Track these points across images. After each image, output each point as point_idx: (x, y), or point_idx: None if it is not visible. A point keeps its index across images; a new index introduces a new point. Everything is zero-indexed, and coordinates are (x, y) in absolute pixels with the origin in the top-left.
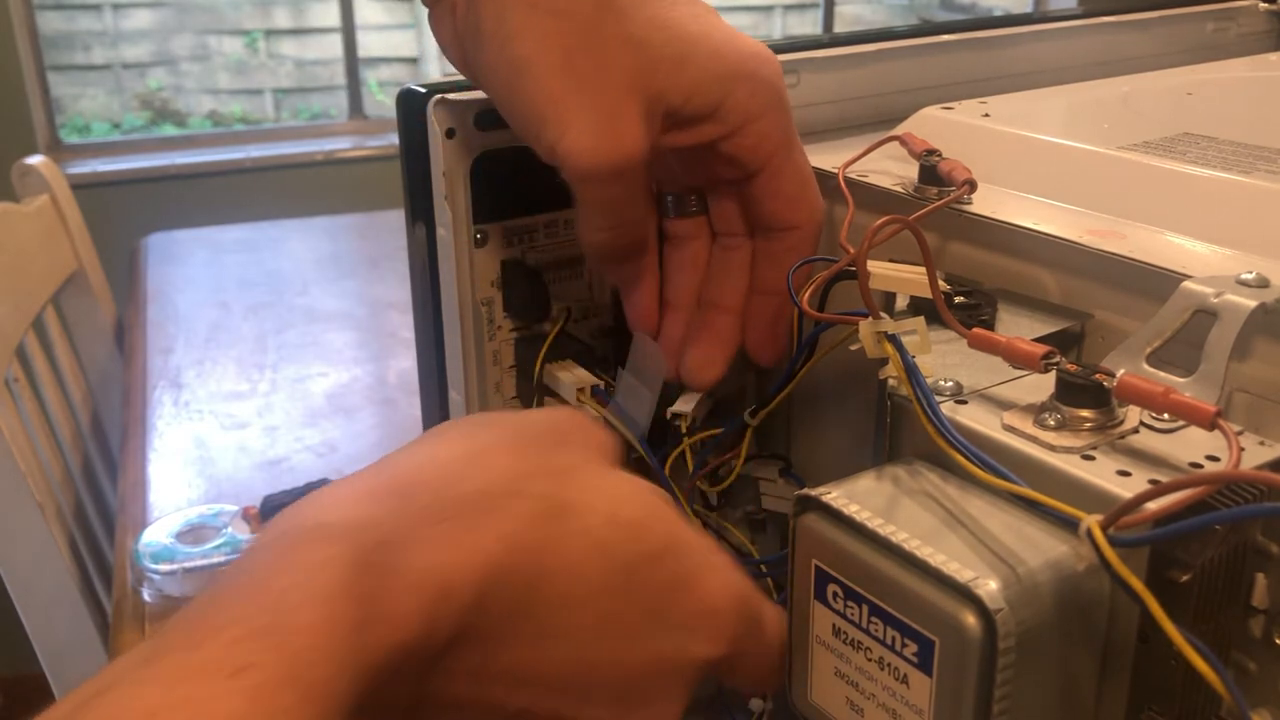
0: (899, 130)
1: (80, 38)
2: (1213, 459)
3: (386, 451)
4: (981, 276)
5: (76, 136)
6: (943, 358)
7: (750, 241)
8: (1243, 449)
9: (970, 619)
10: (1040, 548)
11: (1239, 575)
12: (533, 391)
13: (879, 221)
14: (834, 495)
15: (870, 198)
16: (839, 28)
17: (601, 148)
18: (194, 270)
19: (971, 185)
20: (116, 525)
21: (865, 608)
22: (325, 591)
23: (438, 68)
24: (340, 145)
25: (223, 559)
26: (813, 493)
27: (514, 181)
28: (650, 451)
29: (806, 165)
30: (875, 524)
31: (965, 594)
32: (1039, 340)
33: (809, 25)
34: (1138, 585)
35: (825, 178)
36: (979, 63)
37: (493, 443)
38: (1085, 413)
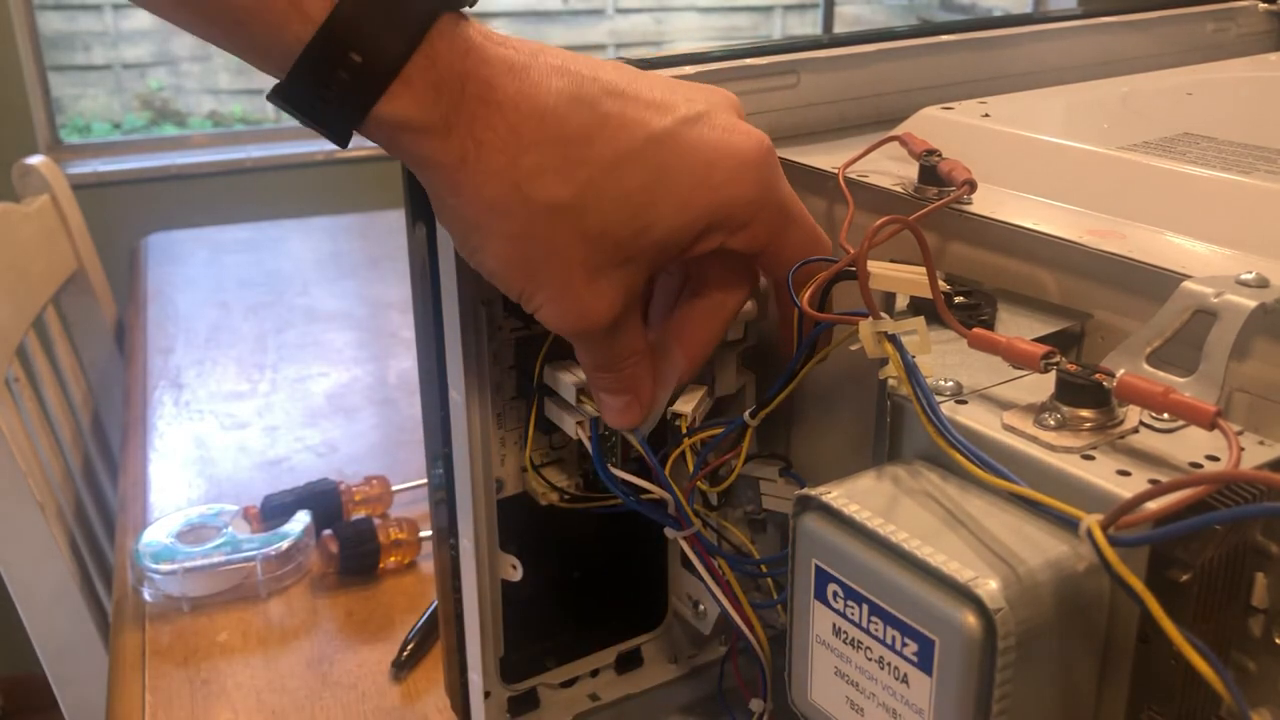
0: (899, 130)
1: (81, 38)
2: (1213, 459)
3: (387, 451)
4: (981, 276)
5: (77, 136)
6: (943, 358)
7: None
8: (1242, 449)
9: (970, 619)
10: (1040, 547)
11: (1239, 575)
12: (533, 391)
13: (879, 221)
14: (834, 495)
15: (870, 198)
16: (839, 28)
17: (568, 317)
18: (194, 270)
19: (971, 185)
20: (116, 525)
21: (865, 607)
22: None
23: None
24: None
25: (223, 559)
26: (813, 493)
27: None
28: (650, 451)
29: (810, 228)
30: (875, 524)
31: (965, 594)
32: (1039, 340)
33: (809, 25)
34: (1138, 585)
35: (825, 178)
36: (979, 63)
37: None
38: (1085, 413)
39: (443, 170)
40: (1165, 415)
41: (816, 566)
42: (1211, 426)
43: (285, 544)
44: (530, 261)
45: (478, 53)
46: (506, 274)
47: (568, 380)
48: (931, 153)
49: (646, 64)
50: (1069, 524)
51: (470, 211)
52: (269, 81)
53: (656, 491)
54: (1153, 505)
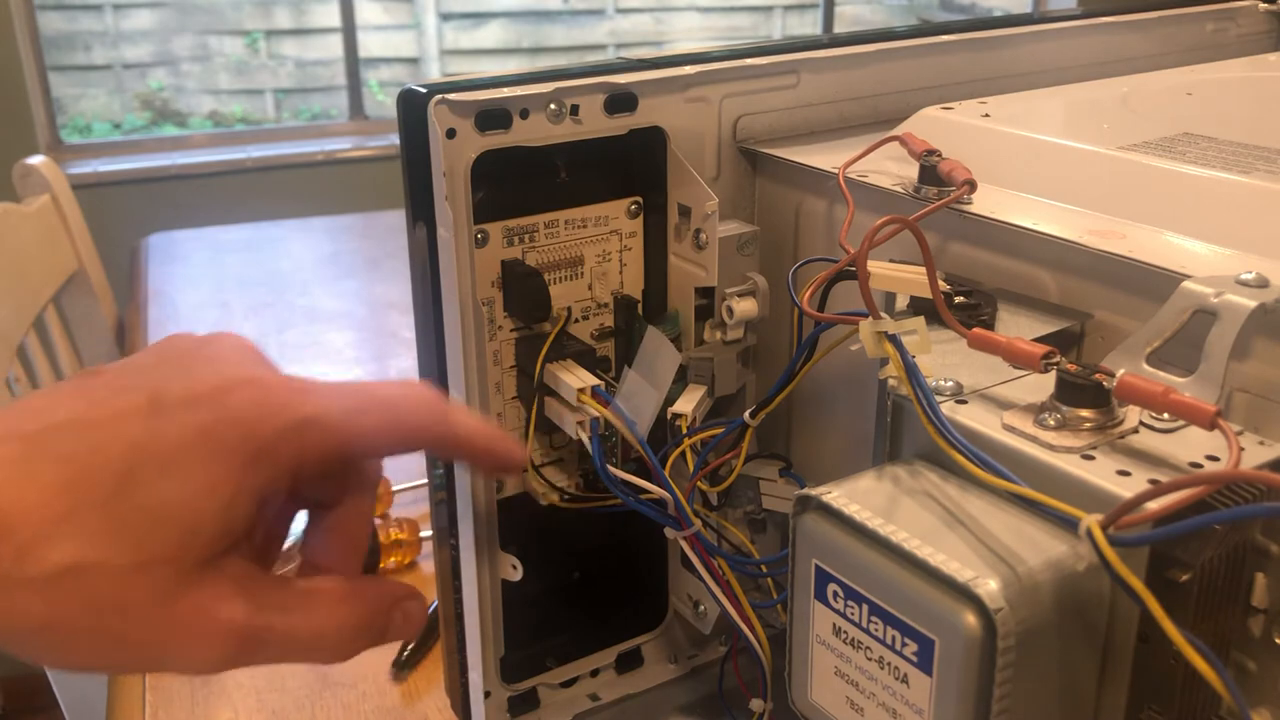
0: (899, 130)
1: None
2: (1212, 459)
3: None
4: (981, 276)
5: (77, 136)
6: (943, 358)
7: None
8: (1242, 449)
9: (970, 618)
10: (1040, 547)
11: (1239, 575)
12: (533, 391)
13: (879, 221)
14: (834, 495)
15: (870, 198)
16: (839, 28)
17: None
18: (194, 270)
19: (971, 185)
20: None
21: (865, 607)
22: None
23: (438, 68)
24: (340, 145)
25: None
26: (813, 492)
27: (514, 181)
28: (650, 451)
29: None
30: (875, 524)
31: (965, 593)
32: (1039, 340)
33: (809, 25)
34: (1137, 585)
35: (825, 178)
36: (979, 63)
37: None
38: (1085, 412)
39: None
40: (1165, 415)
41: (816, 566)
42: (1211, 426)
43: (285, 544)
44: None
45: None
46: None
47: (568, 380)
48: (931, 153)
49: (647, 64)
50: (1069, 524)
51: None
52: (269, 82)
53: (656, 491)
54: (1153, 505)
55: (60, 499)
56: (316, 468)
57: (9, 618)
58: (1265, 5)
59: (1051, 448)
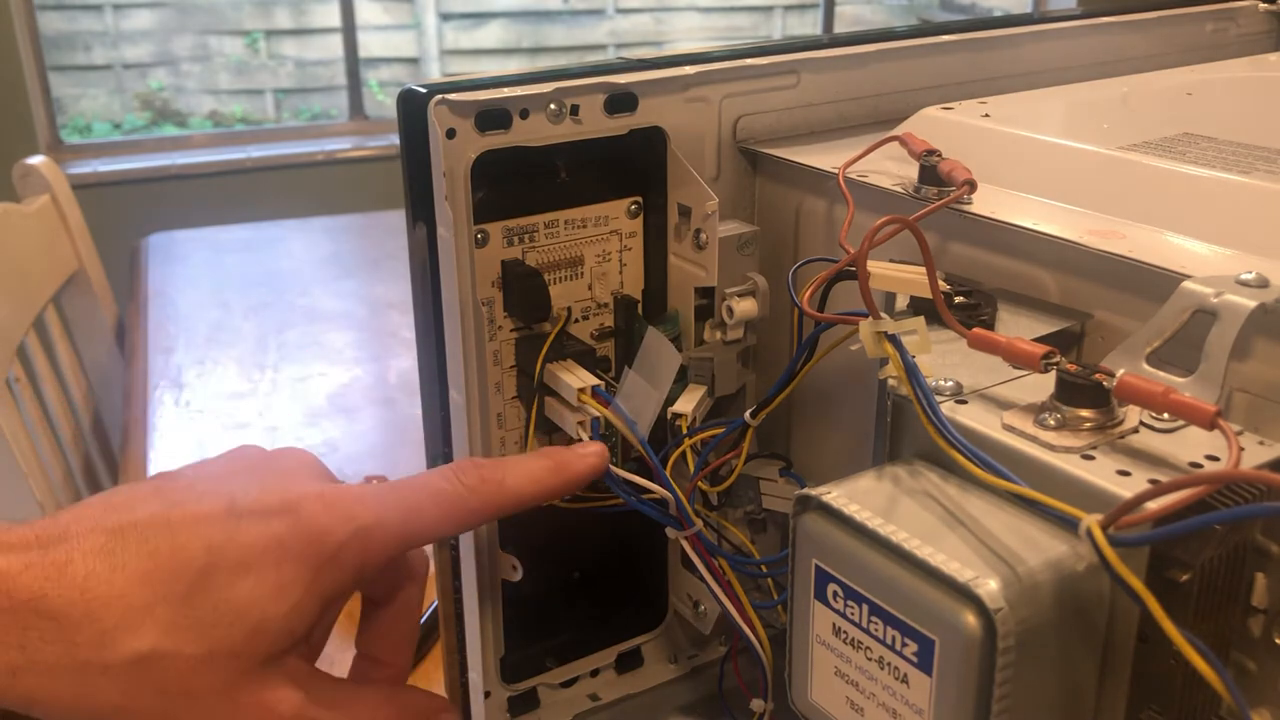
0: (899, 130)
1: (81, 38)
2: (1212, 459)
3: (387, 451)
4: (981, 276)
5: (77, 137)
6: (943, 357)
7: None
8: (1242, 449)
9: (970, 618)
10: (1040, 547)
11: (1239, 575)
12: (533, 392)
13: (879, 221)
14: (834, 495)
15: (870, 198)
16: (839, 28)
17: None
18: (194, 270)
19: (971, 185)
20: None
21: (865, 607)
22: None
23: (438, 68)
24: (340, 145)
25: None
26: (813, 492)
27: (514, 181)
28: (651, 451)
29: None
30: (875, 524)
31: (965, 593)
32: (1039, 340)
33: (809, 25)
34: (1137, 585)
35: (825, 178)
36: (979, 63)
37: None
38: (1085, 412)
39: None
40: (1165, 415)
41: (816, 566)
42: (1211, 426)
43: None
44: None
45: None
46: None
47: (568, 380)
48: (931, 153)
49: (647, 64)
50: (1069, 524)
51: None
52: (269, 82)
53: (657, 491)
54: (1152, 505)
55: (142, 590)
56: (378, 571)
57: (87, 700)
58: (1265, 5)
59: (1051, 448)
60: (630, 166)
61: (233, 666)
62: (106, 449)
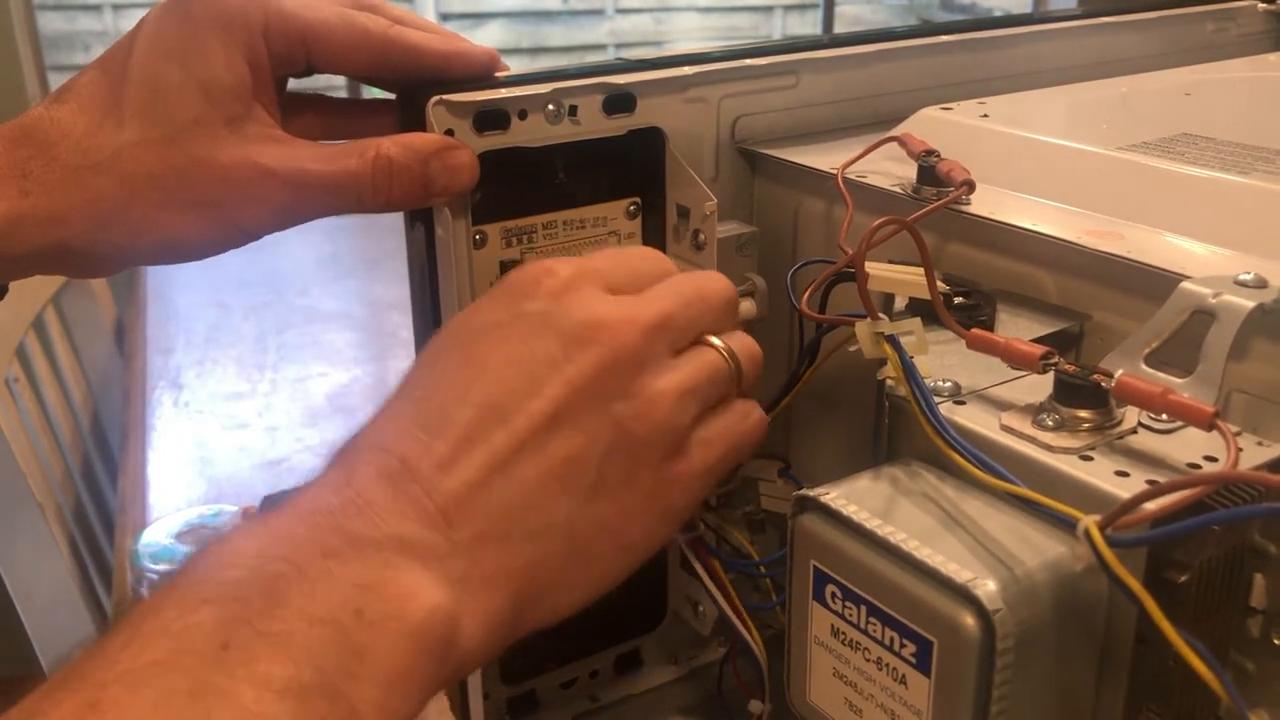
0: (898, 131)
1: (81, 38)
2: (1211, 459)
3: None
4: (980, 277)
5: None
6: (941, 358)
7: None
8: (1241, 449)
9: (968, 619)
10: (1038, 548)
11: (1237, 576)
12: None
13: (877, 222)
14: (832, 496)
15: (869, 198)
16: (839, 28)
17: None
18: (194, 270)
19: (970, 186)
20: (116, 525)
21: (863, 608)
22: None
23: None
24: None
25: None
26: (811, 493)
27: (512, 182)
28: None
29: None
30: (873, 524)
31: (963, 594)
32: (1037, 341)
33: (809, 25)
34: (1135, 586)
35: (824, 178)
36: (979, 63)
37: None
38: (1083, 413)
39: None
40: (1164, 416)
41: (815, 567)
42: (1210, 427)
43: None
44: None
45: None
46: None
47: None
48: (930, 153)
49: (646, 64)
50: (1067, 525)
51: None
52: None
53: None
54: (1151, 506)
55: (92, 103)
56: (284, 46)
57: (95, 205)
58: (1265, 5)
59: (1050, 448)
60: (628, 167)
61: (202, 133)
62: (106, 449)
